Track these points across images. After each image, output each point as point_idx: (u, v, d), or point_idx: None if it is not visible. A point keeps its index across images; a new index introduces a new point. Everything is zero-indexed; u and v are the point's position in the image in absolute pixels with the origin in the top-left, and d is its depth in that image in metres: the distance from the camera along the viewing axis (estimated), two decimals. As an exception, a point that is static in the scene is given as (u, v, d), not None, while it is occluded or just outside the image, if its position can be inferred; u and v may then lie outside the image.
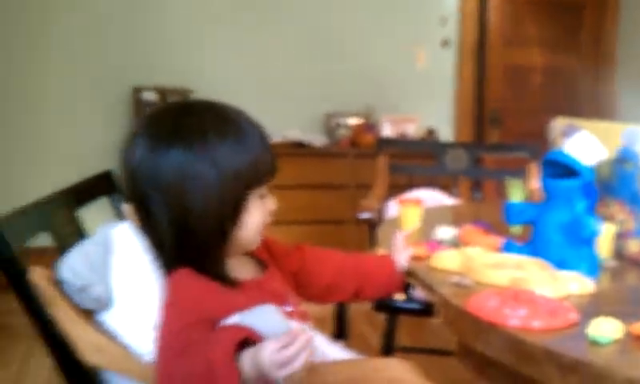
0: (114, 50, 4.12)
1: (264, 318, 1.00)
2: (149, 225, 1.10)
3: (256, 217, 1.14)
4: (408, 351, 2.62)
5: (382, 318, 2.30)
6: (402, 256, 1.41)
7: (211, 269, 1.10)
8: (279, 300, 1.14)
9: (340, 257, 1.42)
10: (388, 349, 2.24)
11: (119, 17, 4.12)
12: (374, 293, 1.44)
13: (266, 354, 0.95)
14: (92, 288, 1.05)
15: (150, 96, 4.01)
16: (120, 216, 1.59)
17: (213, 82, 4.24)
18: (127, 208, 1.58)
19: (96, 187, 1.57)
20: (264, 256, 1.26)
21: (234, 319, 1.02)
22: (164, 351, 1.00)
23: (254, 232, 1.15)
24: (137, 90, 4.01)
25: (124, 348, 1.05)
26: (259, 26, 4.36)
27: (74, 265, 1.05)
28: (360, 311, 2.00)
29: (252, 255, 1.24)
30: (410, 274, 1.39)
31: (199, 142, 1.08)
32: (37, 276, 1.02)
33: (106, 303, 1.07)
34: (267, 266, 1.24)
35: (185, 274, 1.09)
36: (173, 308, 1.05)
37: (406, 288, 1.42)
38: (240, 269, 1.18)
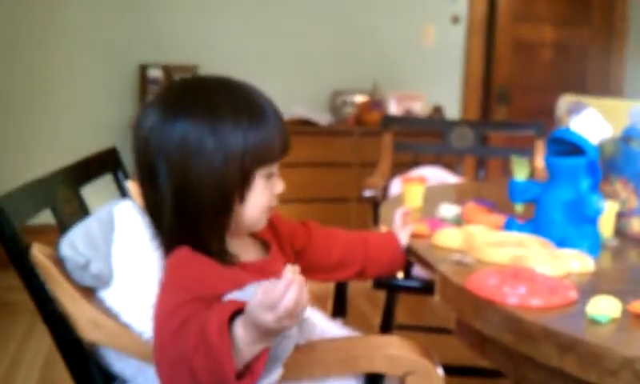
0: (119, 27, 4.11)
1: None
2: (152, 197, 1.11)
3: (261, 197, 1.13)
4: (406, 329, 2.63)
5: (381, 295, 2.30)
6: (402, 233, 1.42)
7: (210, 245, 1.10)
8: None
9: (345, 235, 1.43)
10: (387, 327, 2.25)
11: (125, -7, 4.11)
12: (378, 271, 1.45)
13: (255, 300, 0.92)
14: (91, 264, 1.05)
15: (155, 73, 4.01)
16: (124, 193, 1.59)
17: (219, 58, 4.22)
18: (131, 184, 1.59)
19: (100, 164, 1.57)
20: (268, 235, 1.25)
21: (231, 296, 1.02)
22: (160, 331, 1.00)
23: (257, 212, 1.14)
24: (143, 67, 4.00)
25: (122, 325, 1.06)
26: (266, 3, 4.33)
27: (75, 241, 1.06)
28: (360, 289, 2.00)
29: (256, 237, 1.23)
30: (411, 251, 1.39)
31: (207, 116, 1.08)
32: (38, 253, 1.03)
33: (105, 280, 1.07)
34: (270, 247, 1.24)
35: (183, 253, 1.09)
36: (169, 287, 1.05)
37: (407, 266, 1.43)
38: (243, 250, 1.18)
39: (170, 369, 0.97)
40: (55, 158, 1.54)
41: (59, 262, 1.06)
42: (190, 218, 1.09)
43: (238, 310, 0.95)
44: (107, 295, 1.08)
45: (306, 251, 1.35)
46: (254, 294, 0.92)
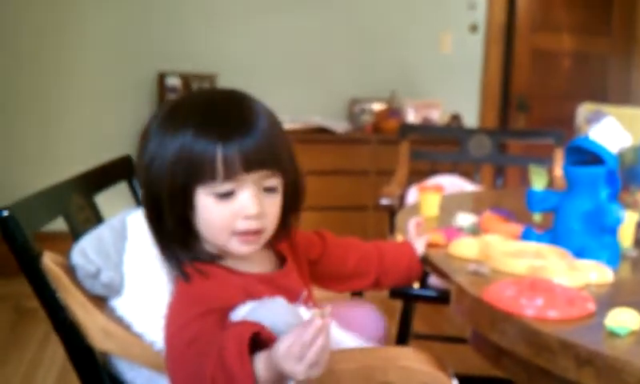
0: (138, 35, 4.12)
1: (274, 310, 0.98)
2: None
3: (208, 216, 1.06)
4: (423, 338, 2.60)
5: (398, 304, 2.29)
6: (418, 243, 1.40)
7: (200, 255, 1.09)
8: (290, 296, 1.10)
9: (361, 245, 1.41)
10: (403, 336, 2.23)
11: (144, 3, 4.12)
12: (394, 280, 1.43)
13: (282, 348, 0.89)
14: (102, 273, 1.04)
15: (174, 81, 4.02)
16: (139, 201, 1.59)
17: (237, 67, 4.23)
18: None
19: (115, 172, 1.57)
20: (283, 246, 1.23)
21: (244, 308, 1.00)
22: (172, 344, 0.99)
23: (211, 233, 1.07)
24: (161, 76, 4.01)
25: (134, 334, 1.05)
26: (284, 11, 4.34)
27: (86, 249, 1.05)
28: (376, 298, 1.97)
29: (271, 248, 1.20)
30: (426, 261, 1.37)
31: (162, 127, 1.07)
32: (49, 261, 1.02)
33: (116, 289, 1.07)
34: (286, 259, 1.22)
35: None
36: (180, 299, 1.05)
37: (423, 275, 1.41)
38: (257, 261, 1.16)
39: (186, 382, 0.96)
40: (73, 165, 1.55)
41: (70, 271, 1.05)
42: (162, 232, 1.08)
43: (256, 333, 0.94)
44: (118, 304, 1.07)
45: (320, 261, 1.34)
46: (281, 339, 0.90)
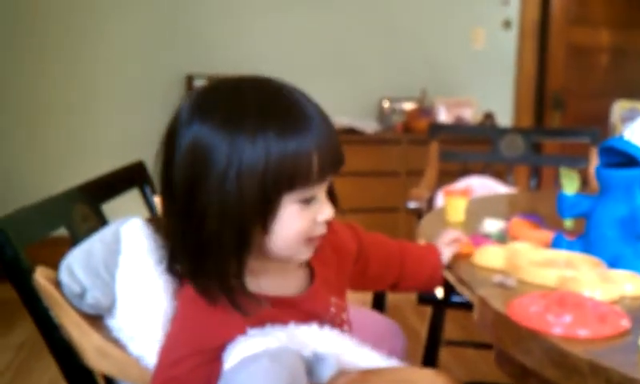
0: (166, 37, 4.11)
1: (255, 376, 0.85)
2: (165, 213, 0.98)
3: (293, 227, 0.94)
4: (455, 345, 2.52)
5: (429, 308, 2.21)
6: (446, 250, 1.32)
7: (222, 283, 0.93)
8: (315, 319, 1.01)
9: (386, 243, 1.31)
10: (433, 343, 2.15)
11: (172, 5, 4.10)
12: (413, 286, 1.35)
13: None
14: (87, 293, 0.97)
15: (202, 84, 3.98)
16: (151, 209, 1.54)
17: (265, 68, 4.14)
18: (159, 200, 1.54)
19: (126, 178, 1.52)
20: (317, 259, 1.08)
21: (249, 336, 0.93)
22: (156, 377, 0.92)
23: (289, 245, 0.95)
24: (189, 78, 3.99)
25: (129, 354, 0.99)
26: (312, 10, 4.28)
27: (72, 266, 0.98)
28: (407, 301, 1.91)
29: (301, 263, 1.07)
30: (449, 269, 1.30)
31: (226, 122, 0.90)
32: (40, 278, 0.97)
33: (104, 309, 1.00)
34: (314, 276, 1.08)
35: (188, 295, 0.96)
36: (173, 333, 0.96)
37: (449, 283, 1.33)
38: (280, 278, 1.03)
39: None
40: (99, 168, 1.52)
41: (58, 287, 0.99)
42: (197, 247, 0.92)
43: None
44: (114, 324, 1.01)
45: (357, 260, 1.22)
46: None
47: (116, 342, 0.99)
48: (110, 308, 0.99)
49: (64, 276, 0.98)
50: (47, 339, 0.99)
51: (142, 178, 1.56)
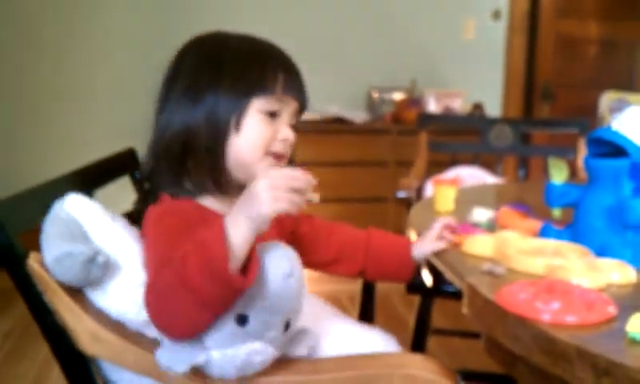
0: (160, 29, 4.09)
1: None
2: (157, 126, 1.23)
3: (256, 130, 1.15)
4: (443, 334, 2.54)
5: (417, 296, 2.22)
6: (429, 245, 1.34)
7: (206, 180, 1.14)
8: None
9: (350, 231, 1.43)
10: (421, 331, 2.17)
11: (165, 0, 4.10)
12: (380, 276, 1.43)
13: (261, 181, 0.97)
14: (99, 255, 0.99)
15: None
16: (142, 194, 1.54)
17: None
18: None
19: (118, 165, 1.52)
20: None
21: None
22: (154, 282, 0.97)
23: (249, 144, 1.14)
24: (179, 67, 3.98)
25: (122, 338, 0.99)
26: (302, 2, 4.27)
27: (66, 242, 0.98)
28: (396, 289, 1.92)
29: None
30: (439, 259, 1.31)
31: (213, 52, 1.22)
32: (34, 263, 0.97)
33: (111, 271, 1.02)
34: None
35: (166, 203, 1.13)
36: (158, 239, 1.04)
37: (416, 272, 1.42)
38: None
39: (164, 299, 0.95)
40: (92, 157, 1.53)
41: (53, 269, 0.99)
42: (187, 144, 1.14)
43: None
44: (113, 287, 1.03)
45: (304, 238, 1.36)
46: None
47: (109, 325, 0.99)
48: (115, 267, 1.01)
49: (64, 246, 0.97)
50: (40, 325, 0.99)
51: (133, 165, 1.56)
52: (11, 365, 2.67)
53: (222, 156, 1.14)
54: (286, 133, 1.17)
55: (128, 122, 4.06)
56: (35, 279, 0.97)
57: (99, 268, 1.00)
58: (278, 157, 1.18)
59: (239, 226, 0.96)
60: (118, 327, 1.03)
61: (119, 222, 1.13)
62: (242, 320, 0.96)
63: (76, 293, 1.02)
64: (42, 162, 3.93)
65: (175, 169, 1.15)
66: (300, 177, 0.98)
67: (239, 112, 1.14)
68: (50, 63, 3.97)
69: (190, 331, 0.98)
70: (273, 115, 1.16)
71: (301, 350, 1.02)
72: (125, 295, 1.03)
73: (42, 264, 0.98)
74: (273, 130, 1.16)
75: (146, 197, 1.19)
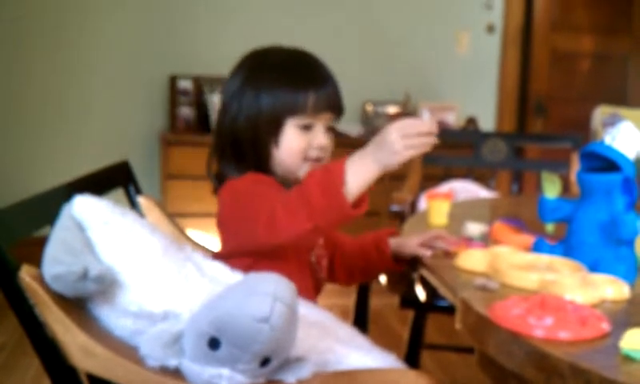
0: (150, 38, 4.09)
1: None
2: (218, 133, 1.40)
3: (292, 143, 1.32)
4: (437, 348, 2.53)
5: (411, 311, 2.22)
6: (409, 247, 1.42)
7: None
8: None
9: (348, 242, 1.58)
10: (415, 346, 2.16)
11: (156, 6, 4.09)
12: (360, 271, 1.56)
13: (392, 132, 1.13)
14: (90, 269, 0.98)
15: (186, 84, 3.98)
16: (135, 207, 1.54)
17: (249, 70, 4.17)
18: (143, 200, 1.54)
19: (110, 178, 1.52)
20: None
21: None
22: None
23: (291, 156, 1.32)
24: (173, 78, 3.98)
25: (112, 351, 0.98)
26: (296, 12, 4.28)
27: (59, 257, 0.98)
28: (389, 305, 1.91)
29: None
30: (432, 273, 1.30)
31: (252, 75, 1.37)
32: (26, 276, 0.96)
33: (109, 280, 1.01)
34: None
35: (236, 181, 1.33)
36: (250, 189, 1.27)
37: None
38: None
39: (282, 205, 1.18)
40: (84, 167, 1.52)
41: (54, 282, 0.99)
42: (241, 147, 1.35)
43: None
44: (125, 296, 1.02)
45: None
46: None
47: (102, 339, 0.99)
48: (114, 278, 1.00)
49: (57, 268, 0.97)
50: (32, 338, 0.98)
51: (126, 178, 1.55)
52: (2, 378, 2.65)
53: (266, 166, 1.34)
54: (320, 141, 1.34)
55: (121, 134, 4.07)
56: (27, 292, 0.96)
57: (94, 282, 1.00)
58: (316, 161, 1.35)
59: (365, 166, 1.16)
60: (109, 340, 1.03)
61: (129, 215, 1.17)
62: (214, 344, 0.95)
63: (70, 305, 1.02)
64: (32, 174, 3.91)
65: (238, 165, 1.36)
66: (425, 123, 1.15)
67: (276, 131, 1.32)
68: (40, 74, 3.96)
69: (292, 236, 1.17)
70: (307, 127, 1.33)
71: (288, 378, 1.00)
72: (125, 301, 1.03)
73: (36, 277, 0.97)
74: (308, 140, 1.33)
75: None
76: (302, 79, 1.34)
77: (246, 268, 1.25)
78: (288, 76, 1.34)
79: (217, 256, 1.35)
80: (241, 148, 1.35)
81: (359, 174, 1.16)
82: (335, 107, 1.36)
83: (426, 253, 1.38)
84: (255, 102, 1.33)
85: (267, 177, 1.34)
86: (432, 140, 1.16)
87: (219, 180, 1.39)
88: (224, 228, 1.37)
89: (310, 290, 1.39)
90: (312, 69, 1.38)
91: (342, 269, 1.55)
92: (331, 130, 1.38)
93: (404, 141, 1.13)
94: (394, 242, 1.48)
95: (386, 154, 1.14)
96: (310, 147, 1.33)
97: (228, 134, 1.36)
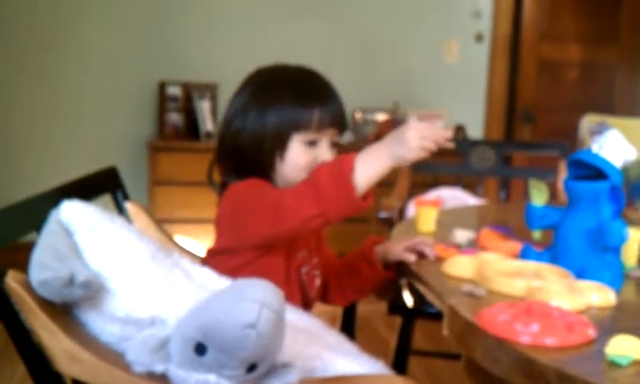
0: (139, 44, 4.08)
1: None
2: (224, 144, 1.41)
3: (297, 158, 1.33)
4: (424, 355, 2.53)
5: (399, 318, 2.22)
6: (394, 252, 1.43)
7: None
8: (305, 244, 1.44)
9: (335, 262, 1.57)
10: (402, 353, 2.16)
11: (145, 13, 4.08)
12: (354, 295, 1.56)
13: (412, 123, 1.20)
14: (77, 275, 0.97)
15: (174, 90, 3.98)
16: (123, 213, 1.53)
17: (239, 76, 4.13)
18: (131, 205, 1.53)
19: (98, 184, 1.51)
20: None
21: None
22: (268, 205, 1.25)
23: (294, 170, 1.34)
24: (162, 85, 3.97)
25: (98, 357, 0.98)
26: (285, 21, 4.29)
27: (46, 263, 0.98)
28: (377, 311, 1.92)
29: None
30: (420, 280, 1.31)
31: (257, 95, 1.39)
32: (12, 281, 0.96)
33: (96, 285, 1.01)
34: None
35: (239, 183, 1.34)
36: (252, 191, 1.29)
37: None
38: None
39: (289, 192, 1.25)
40: (72, 174, 1.51)
41: (40, 288, 0.98)
42: (248, 161, 1.36)
43: None
44: (113, 301, 1.01)
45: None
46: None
47: (89, 343, 0.98)
48: (98, 283, 1.00)
49: (43, 274, 0.97)
50: (17, 344, 0.98)
51: (113, 184, 1.54)
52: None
53: (268, 178, 1.36)
54: (324, 156, 1.35)
55: (110, 140, 4.06)
56: (13, 298, 0.95)
57: (81, 287, 0.99)
58: None
59: (378, 158, 1.21)
60: (95, 346, 1.02)
61: (117, 221, 1.17)
62: (200, 350, 0.95)
63: (57, 311, 1.01)
64: (20, 179, 3.89)
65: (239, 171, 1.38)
66: (440, 132, 1.21)
67: (282, 146, 1.34)
68: (29, 80, 3.94)
69: (298, 220, 1.23)
70: (312, 143, 1.35)
71: None
72: (112, 307, 1.03)
73: (22, 283, 0.97)
74: (313, 155, 1.35)
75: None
76: (308, 96, 1.36)
77: (232, 271, 1.26)
78: (294, 93, 1.36)
79: (209, 252, 1.38)
80: (244, 161, 1.37)
81: (370, 165, 1.20)
82: (340, 123, 1.38)
83: (411, 258, 1.38)
84: (261, 117, 1.35)
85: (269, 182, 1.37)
86: (437, 148, 1.22)
87: (222, 187, 1.41)
88: (222, 224, 1.37)
89: (297, 305, 1.38)
90: (317, 86, 1.41)
91: (335, 290, 1.55)
92: (335, 145, 1.39)
93: (421, 141, 1.19)
94: (379, 250, 1.48)
95: (402, 149, 1.20)
96: (315, 162, 1.34)
97: (231, 147, 1.38)
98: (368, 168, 1.21)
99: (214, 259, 1.34)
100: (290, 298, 1.26)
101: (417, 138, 1.19)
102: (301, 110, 1.34)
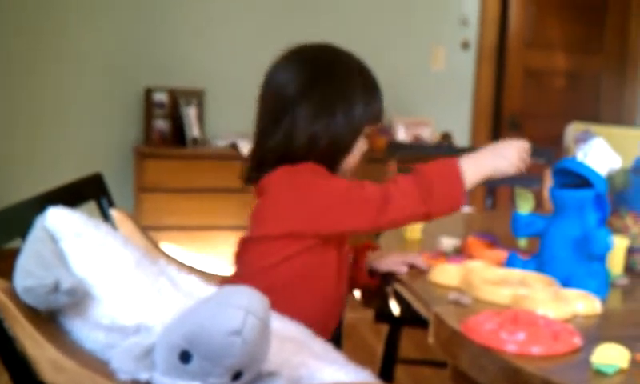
0: (125, 50, 4.07)
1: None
2: (281, 133, 1.37)
3: (360, 148, 1.41)
4: (411, 363, 2.53)
5: (386, 326, 2.22)
6: (385, 263, 1.43)
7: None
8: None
9: None
10: (389, 361, 2.16)
11: (132, 19, 4.07)
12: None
13: (513, 146, 1.32)
14: (61, 282, 0.97)
15: (161, 97, 3.96)
16: (108, 220, 1.52)
17: (225, 82, 4.17)
18: (116, 213, 1.53)
19: (83, 191, 1.50)
20: None
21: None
22: (350, 199, 1.30)
23: (355, 160, 1.41)
24: (148, 91, 3.96)
25: (82, 365, 0.97)
26: (271, 27, 4.28)
27: (31, 270, 0.97)
28: (364, 319, 1.91)
29: None
30: (406, 287, 1.31)
31: (341, 87, 1.41)
32: (-5, 288, 0.95)
33: (81, 292, 1.00)
34: None
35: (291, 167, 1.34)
36: (318, 180, 1.32)
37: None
38: None
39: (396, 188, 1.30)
40: (58, 180, 1.51)
41: (24, 295, 0.98)
42: (322, 150, 1.35)
43: None
44: (98, 309, 1.01)
45: None
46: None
47: (72, 353, 0.97)
48: (86, 290, 0.99)
49: (28, 281, 0.96)
50: (1, 353, 0.97)
51: (98, 191, 1.53)
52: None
53: (332, 169, 1.37)
54: (365, 146, 1.44)
55: (96, 146, 4.04)
56: (-4, 306, 0.95)
57: (65, 295, 0.99)
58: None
59: (480, 167, 1.30)
60: (79, 354, 1.01)
61: (103, 228, 1.17)
62: (185, 357, 0.94)
63: (41, 320, 1.01)
64: (5, 185, 3.87)
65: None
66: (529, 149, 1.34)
67: (356, 138, 1.39)
68: (15, 86, 3.92)
69: (403, 216, 1.30)
70: (367, 135, 1.42)
71: None
72: (97, 314, 1.02)
73: (6, 291, 0.96)
74: (364, 146, 1.43)
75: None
76: (377, 88, 1.45)
77: (284, 259, 1.31)
78: (369, 86, 1.44)
79: (250, 239, 1.37)
80: (318, 152, 1.36)
81: (473, 172, 1.29)
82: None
83: (402, 269, 1.37)
84: (350, 110, 1.37)
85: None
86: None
87: (256, 175, 1.39)
88: (282, 210, 1.32)
89: (345, 280, 1.45)
90: (373, 74, 1.48)
91: None
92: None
93: (518, 157, 1.31)
94: (371, 256, 1.48)
95: (504, 162, 1.30)
96: (362, 152, 1.43)
97: (318, 138, 1.36)
98: (471, 174, 1.29)
99: (261, 246, 1.33)
100: (340, 283, 1.40)
101: (517, 155, 1.31)
102: (375, 104, 1.42)
